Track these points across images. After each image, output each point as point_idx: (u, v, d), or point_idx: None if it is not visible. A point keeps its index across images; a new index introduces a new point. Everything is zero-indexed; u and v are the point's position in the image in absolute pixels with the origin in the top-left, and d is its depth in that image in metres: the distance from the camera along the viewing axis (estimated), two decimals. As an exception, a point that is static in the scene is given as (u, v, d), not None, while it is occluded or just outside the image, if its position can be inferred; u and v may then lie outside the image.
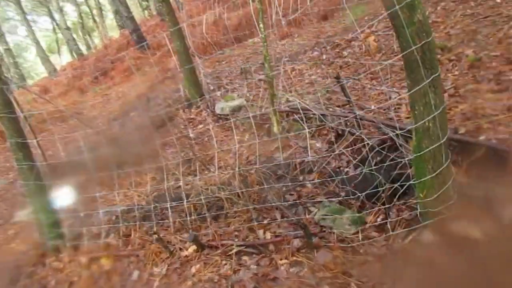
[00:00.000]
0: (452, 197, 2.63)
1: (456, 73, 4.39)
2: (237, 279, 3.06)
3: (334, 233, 3.20)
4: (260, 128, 5.62)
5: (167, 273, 3.41)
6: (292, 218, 3.40)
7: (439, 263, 2.40)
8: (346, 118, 4.03)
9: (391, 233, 2.88)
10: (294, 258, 3.08)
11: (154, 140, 6.47)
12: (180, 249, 3.60)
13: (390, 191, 3.30)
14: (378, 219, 3.19)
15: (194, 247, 3.49)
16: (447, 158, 2.56)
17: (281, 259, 3.11)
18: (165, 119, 7.03)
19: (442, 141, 2.49)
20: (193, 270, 3.31)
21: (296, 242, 3.18)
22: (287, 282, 2.88)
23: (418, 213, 2.73)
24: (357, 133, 3.81)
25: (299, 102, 4.47)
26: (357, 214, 3.24)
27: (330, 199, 3.66)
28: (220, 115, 6.39)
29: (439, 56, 4.66)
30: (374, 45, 5.80)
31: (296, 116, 4.55)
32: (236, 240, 3.45)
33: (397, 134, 3.51)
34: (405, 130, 2.95)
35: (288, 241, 3.19)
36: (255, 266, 3.14)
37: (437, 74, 2.41)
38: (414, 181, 2.78)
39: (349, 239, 3.12)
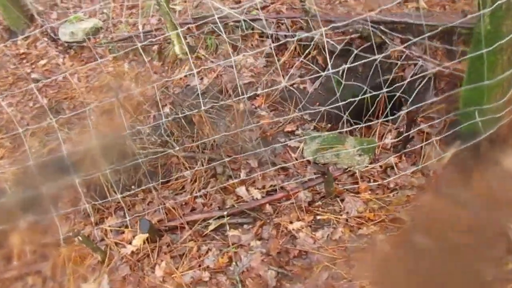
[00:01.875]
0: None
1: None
2: (242, 269, 2.04)
3: (344, 170, 2.38)
4: (143, 52, 4.20)
5: (113, 286, 2.14)
6: (279, 164, 2.44)
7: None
8: (293, 18, 3.06)
9: (436, 160, 2.20)
10: (311, 217, 2.18)
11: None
12: (117, 244, 2.32)
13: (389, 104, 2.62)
14: (388, 140, 2.49)
15: (143, 235, 2.25)
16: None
17: (291, 223, 2.18)
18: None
19: (530, 20, 1.81)
20: (159, 272, 2.13)
21: (303, 195, 2.26)
22: (325, 254, 1.99)
23: (476, 124, 2.07)
24: (317, 37, 2.91)
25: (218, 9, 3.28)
26: (367, 141, 2.47)
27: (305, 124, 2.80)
28: (70, 43, 4.62)
29: None
30: None
31: (211, 26, 3.36)
32: (206, 210, 2.34)
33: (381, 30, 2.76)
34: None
35: (293, 195, 2.24)
36: (258, 242, 2.14)
37: None
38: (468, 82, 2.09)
39: (367, 173, 2.35)
